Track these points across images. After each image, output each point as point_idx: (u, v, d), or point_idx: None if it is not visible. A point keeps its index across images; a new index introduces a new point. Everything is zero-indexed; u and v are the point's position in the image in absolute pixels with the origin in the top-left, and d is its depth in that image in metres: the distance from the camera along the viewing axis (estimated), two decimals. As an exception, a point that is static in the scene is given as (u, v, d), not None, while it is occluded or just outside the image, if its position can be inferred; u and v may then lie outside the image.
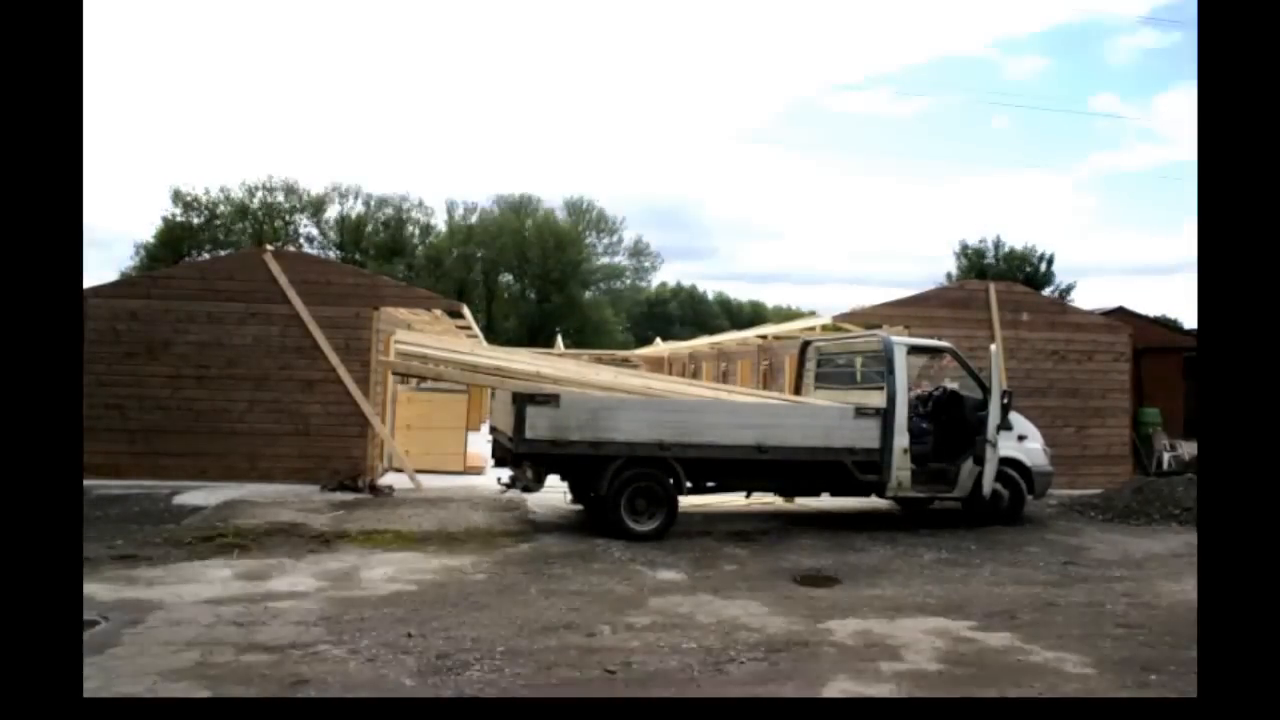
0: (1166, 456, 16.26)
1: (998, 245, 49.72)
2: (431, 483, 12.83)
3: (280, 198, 60.89)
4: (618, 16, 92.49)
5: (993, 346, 11.81)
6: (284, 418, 12.65)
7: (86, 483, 9.20)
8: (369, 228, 62.66)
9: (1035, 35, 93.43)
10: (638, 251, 72.17)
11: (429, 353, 10.85)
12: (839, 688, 5.21)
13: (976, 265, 48.08)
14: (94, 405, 11.70)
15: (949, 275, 48.82)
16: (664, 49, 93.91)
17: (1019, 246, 48.87)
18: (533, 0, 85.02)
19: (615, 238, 70.64)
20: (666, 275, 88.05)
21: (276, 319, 12.74)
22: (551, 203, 68.38)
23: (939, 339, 12.64)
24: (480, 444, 15.58)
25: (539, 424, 9.44)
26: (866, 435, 10.33)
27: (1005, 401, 10.85)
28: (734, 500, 11.82)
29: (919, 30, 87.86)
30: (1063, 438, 13.82)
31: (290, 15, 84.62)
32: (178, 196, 58.27)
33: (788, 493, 11.41)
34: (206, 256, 45.74)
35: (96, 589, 6.70)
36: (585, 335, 60.02)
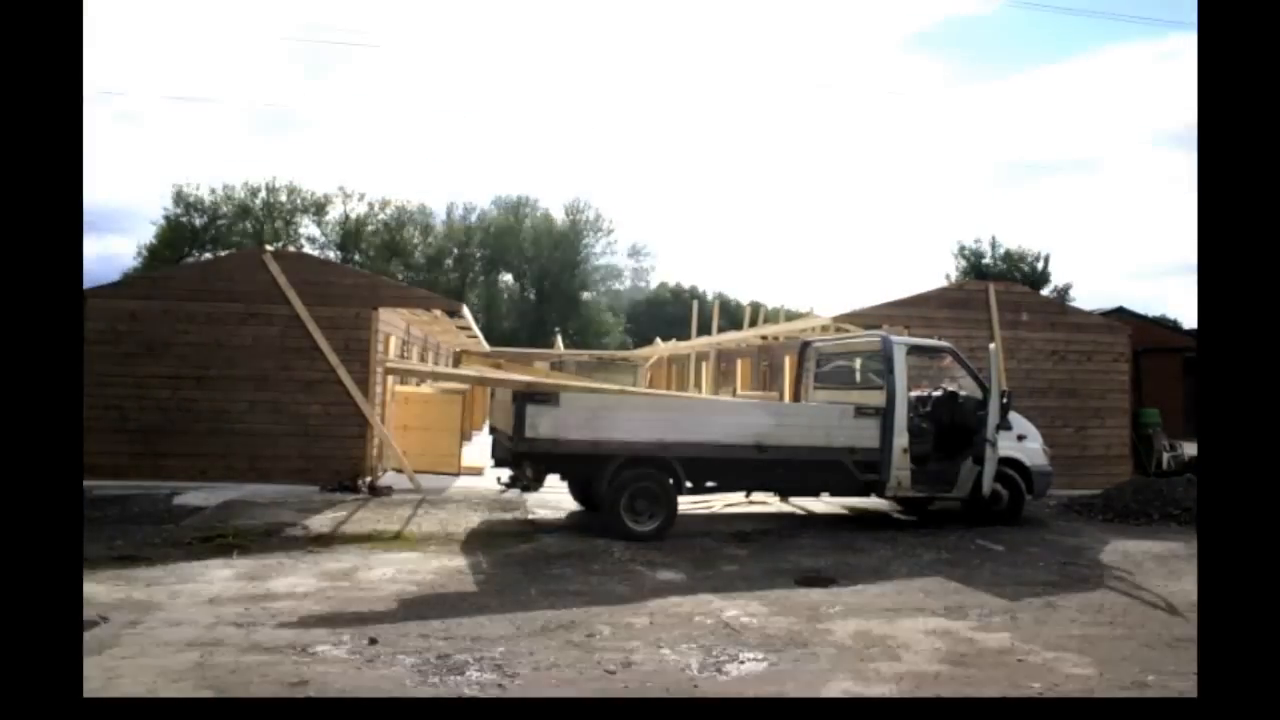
0: (1166, 457, 16.23)
1: (994, 245, 49.80)
2: (431, 483, 12.83)
3: (283, 198, 60.97)
4: (618, 15, 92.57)
5: (992, 346, 11.81)
6: (284, 418, 12.64)
7: (86, 483, 9.18)
8: (369, 228, 62.72)
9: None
10: (636, 251, 72.27)
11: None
12: (839, 688, 5.21)
13: (975, 266, 48.13)
14: (94, 406, 11.68)
15: (948, 276, 48.88)
16: (659, 49, 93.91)
17: (1014, 247, 48.94)
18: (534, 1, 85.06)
19: (613, 238, 70.74)
20: (665, 275, 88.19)
21: (276, 319, 12.74)
22: (550, 204, 68.52)
23: (939, 339, 12.63)
24: (477, 449, 15.57)
25: (539, 423, 9.43)
26: (866, 435, 10.33)
27: (1005, 401, 10.85)
28: (734, 500, 11.85)
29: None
30: (1062, 438, 13.82)
31: (291, 14, 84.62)
32: (179, 197, 58.32)
33: (788, 492, 11.42)
34: (208, 257, 45.77)
35: (96, 589, 6.70)
36: (585, 336, 60.08)
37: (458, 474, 14.07)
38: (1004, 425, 10.86)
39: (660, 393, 16.29)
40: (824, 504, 12.07)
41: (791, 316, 24.61)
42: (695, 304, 30.33)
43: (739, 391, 22.19)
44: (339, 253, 59.76)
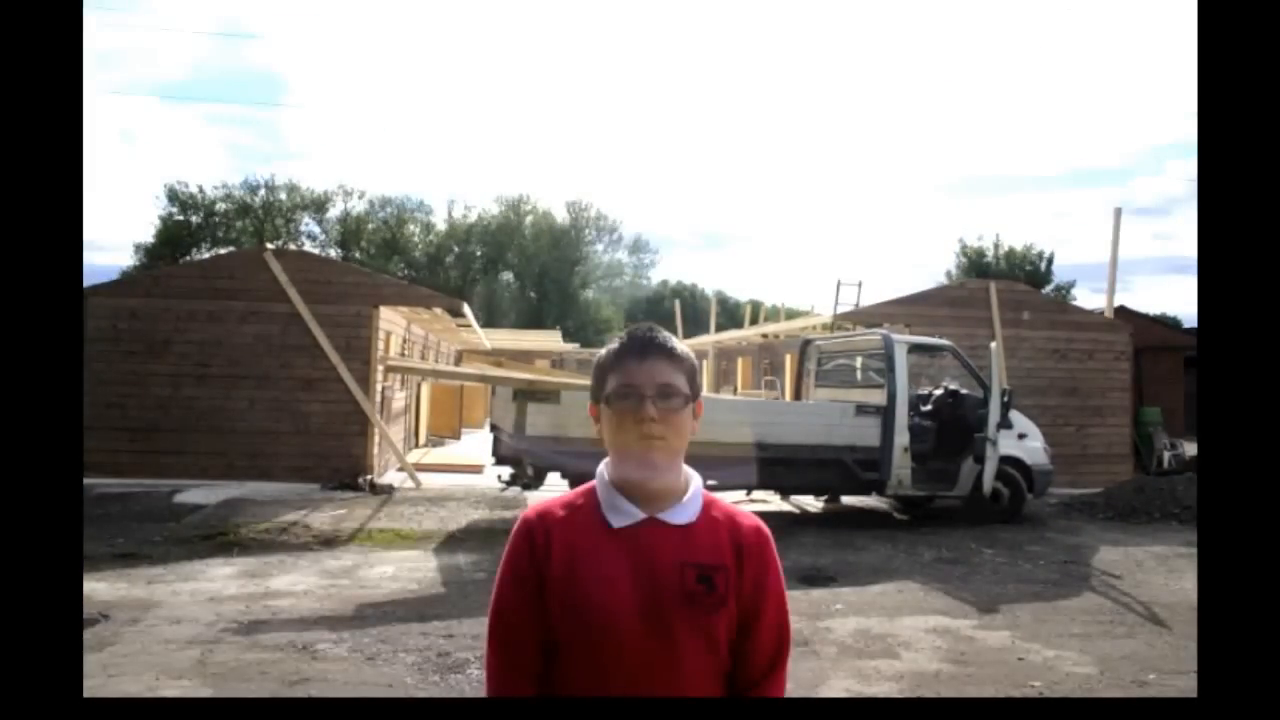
0: (1167, 455, 16.23)
1: (997, 245, 49.79)
2: (432, 481, 12.84)
3: (282, 196, 60.89)
4: (620, 16, 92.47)
5: (993, 345, 11.79)
6: (284, 416, 12.64)
7: (87, 481, 9.20)
8: (370, 226, 62.65)
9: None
10: (637, 248, 72.22)
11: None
12: (839, 687, 5.21)
13: (976, 265, 48.13)
14: (95, 404, 11.69)
15: (949, 274, 48.90)
16: (662, 46, 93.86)
17: (1018, 245, 48.93)
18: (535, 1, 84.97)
19: (614, 235, 70.69)
20: (666, 272, 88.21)
21: (277, 318, 12.73)
22: (551, 201, 68.47)
23: (940, 338, 12.63)
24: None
25: (539, 421, 9.42)
26: (867, 433, 10.33)
27: (1006, 400, 10.83)
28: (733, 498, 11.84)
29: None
30: (1063, 436, 13.81)
31: (292, 14, 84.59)
32: (174, 195, 58.22)
33: (788, 491, 11.41)
34: (207, 255, 45.78)
35: (97, 587, 6.71)
36: (586, 333, 60.02)
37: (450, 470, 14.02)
38: (1005, 424, 10.84)
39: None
40: (823, 503, 12.06)
41: (792, 315, 24.59)
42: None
43: (739, 390, 22.20)
44: (339, 250, 59.69)
